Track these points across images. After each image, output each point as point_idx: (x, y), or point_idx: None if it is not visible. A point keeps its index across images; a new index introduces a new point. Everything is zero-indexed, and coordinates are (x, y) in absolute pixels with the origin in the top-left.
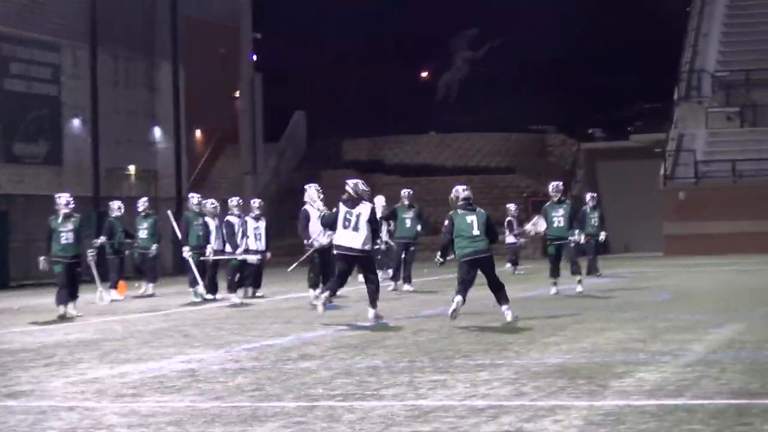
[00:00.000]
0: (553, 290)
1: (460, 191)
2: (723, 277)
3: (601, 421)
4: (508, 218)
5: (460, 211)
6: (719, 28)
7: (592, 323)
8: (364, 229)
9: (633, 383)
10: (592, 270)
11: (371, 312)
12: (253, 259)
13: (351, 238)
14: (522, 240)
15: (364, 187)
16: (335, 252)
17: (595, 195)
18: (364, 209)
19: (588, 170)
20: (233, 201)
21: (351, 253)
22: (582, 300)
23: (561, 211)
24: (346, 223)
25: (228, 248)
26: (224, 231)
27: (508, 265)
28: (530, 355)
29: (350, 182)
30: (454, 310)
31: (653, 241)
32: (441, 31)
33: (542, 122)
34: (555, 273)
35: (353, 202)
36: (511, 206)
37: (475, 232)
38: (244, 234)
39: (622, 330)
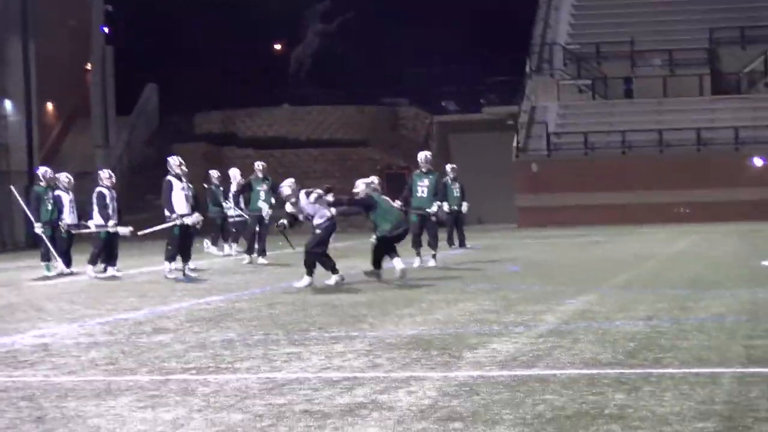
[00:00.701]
0: (417, 262)
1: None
2: (575, 249)
3: (454, 392)
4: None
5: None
6: (570, 1)
7: (445, 295)
8: None
9: (486, 354)
10: (452, 241)
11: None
12: (125, 231)
13: None
14: None
15: None
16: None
17: (455, 167)
18: None
19: (441, 143)
20: (105, 173)
21: None
22: (436, 272)
23: (426, 182)
24: None
25: (93, 221)
26: (96, 202)
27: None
28: (385, 327)
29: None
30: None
31: (507, 213)
32: (293, 4)
33: (395, 95)
34: (417, 243)
35: None
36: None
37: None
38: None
39: (475, 302)
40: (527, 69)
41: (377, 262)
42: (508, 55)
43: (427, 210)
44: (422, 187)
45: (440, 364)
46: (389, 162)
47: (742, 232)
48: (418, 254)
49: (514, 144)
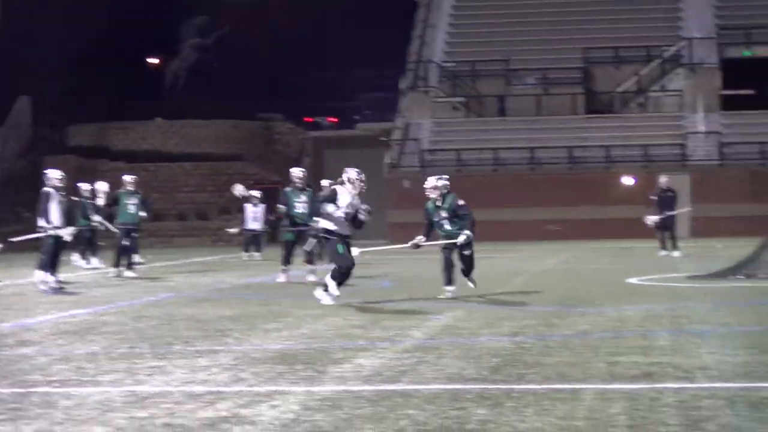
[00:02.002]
0: (282, 277)
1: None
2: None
3: (318, 406)
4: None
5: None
6: (446, 19)
7: (313, 309)
8: None
9: (351, 369)
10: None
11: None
12: None
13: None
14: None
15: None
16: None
17: (332, 182)
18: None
19: (315, 158)
20: None
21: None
22: (305, 287)
23: (304, 198)
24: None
25: None
26: None
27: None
28: (250, 341)
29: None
30: None
31: (379, 229)
32: (170, 18)
33: (270, 110)
34: (288, 260)
35: None
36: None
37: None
38: None
39: (342, 316)
40: (402, 86)
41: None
42: (384, 71)
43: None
44: (300, 204)
45: (304, 379)
46: (263, 177)
47: (612, 250)
48: (285, 271)
49: (387, 160)
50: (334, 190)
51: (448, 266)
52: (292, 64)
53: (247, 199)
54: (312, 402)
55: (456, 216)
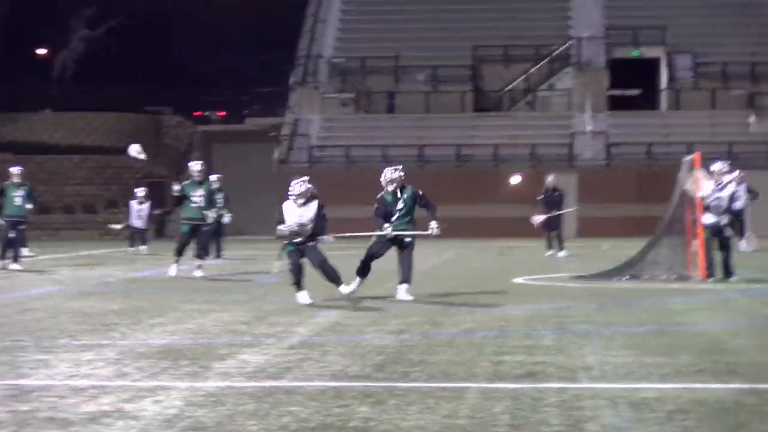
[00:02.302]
0: (173, 270)
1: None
2: (333, 261)
3: (201, 402)
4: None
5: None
6: (336, 14)
7: (199, 305)
8: None
9: (235, 365)
10: (211, 251)
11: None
12: None
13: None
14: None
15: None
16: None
17: (221, 176)
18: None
19: (204, 152)
20: None
21: None
22: (193, 282)
23: (201, 191)
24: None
25: None
26: None
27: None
28: (135, 336)
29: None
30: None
31: (267, 225)
32: (59, 9)
33: (159, 103)
34: (180, 252)
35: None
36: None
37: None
38: None
39: (228, 312)
40: (292, 81)
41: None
42: (274, 66)
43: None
44: (196, 197)
45: (188, 374)
46: (151, 170)
47: (498, 249)
48: (177, 262)
49: (276, 155)
50: (281, 210)
51: (372, 259)
52: (183, 57)
53: (143, 162)
54: (195, 398)
55: (423, 206)
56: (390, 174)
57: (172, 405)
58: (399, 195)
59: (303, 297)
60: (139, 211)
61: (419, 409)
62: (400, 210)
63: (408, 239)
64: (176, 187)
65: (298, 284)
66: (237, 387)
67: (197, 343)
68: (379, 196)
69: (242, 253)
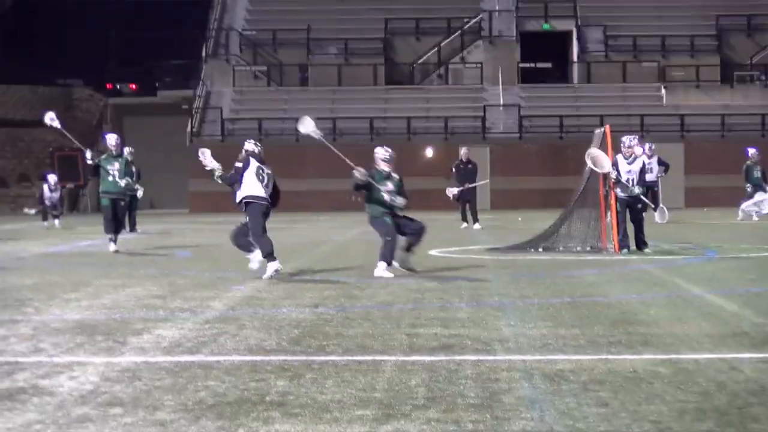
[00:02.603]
0: (113, 247)
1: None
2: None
3: (117, 377)
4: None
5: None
6: None
7: (113, 280)
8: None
9: (151, 340)
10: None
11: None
12: None
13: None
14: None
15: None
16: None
17: (132, 150)
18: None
19: (116, 126)
20: None
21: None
22: (105, 256)
23: (117, 165)
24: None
25: None
26: None
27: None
28: (50, 312)
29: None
30: None
31: (180, 198)
32: None
33: (70, 76)
34: (110, 228)
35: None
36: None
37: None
38: None
39: (143, 287)
40: (203, 53)
41: None
42: (185, 38)
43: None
44: (113, 171)
45: (104, 350)
46: (62, 143)
47: None
48: (113, 240)
49: (189, 128)
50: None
51: None
52: (94, 29)
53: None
54: (111, 373)
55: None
56: (386, 154)
57: (88, 381)
58: (390, 176)
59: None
60: (50, 198)
61: (336, 382)
62: (390, 191)
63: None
64: (89, 155)
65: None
66: (153, 362)
67: (112, 318)
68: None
69: (155, 227)
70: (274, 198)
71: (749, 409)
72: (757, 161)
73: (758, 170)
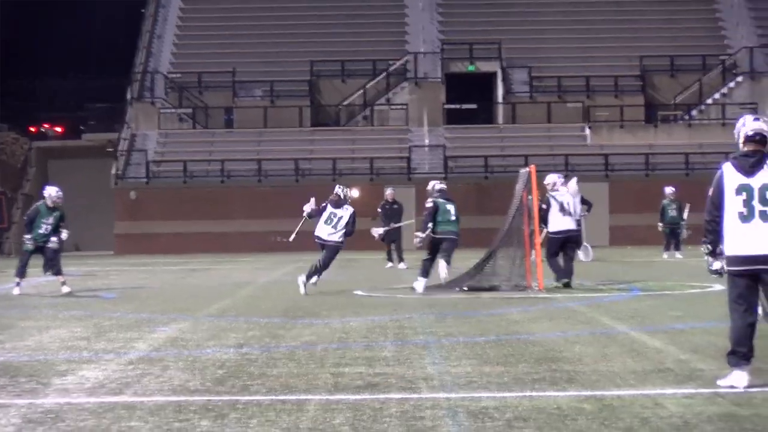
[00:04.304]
0: (16, 290)
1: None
2: (171, 276)
3: (40, 419)
4: None
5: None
6: (173, 30)
7: (38, 321)
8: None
9: (75, 381)
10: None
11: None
12: None
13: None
14: None
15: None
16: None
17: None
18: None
19: (40, 168)
20: None
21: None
22: (29, 298)
23: (51, 220)
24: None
25: None
26: None
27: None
28: None
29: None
30: None
31: (105, 240)
32: None
33: None
34: (22, 273)
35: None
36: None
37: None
38: None
39: (66, 328)
40: (128, 96)
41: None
42: (110, 81)
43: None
44: (45, 224)
45: (27, 391)
46: None
47: (339, 262)
48: (18, 284)
49: (113, 171)
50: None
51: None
52: (19, 73)
53: None
54: (34, 415)
55: None
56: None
57: (10, 423)
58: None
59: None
60: None
61: (260, 422)
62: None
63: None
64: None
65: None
66: (76, 403)
67: (36, 360)
68: (431, 203)
69: (80, 269)
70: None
71: None
72: (674, 199)
73: (674, 208)
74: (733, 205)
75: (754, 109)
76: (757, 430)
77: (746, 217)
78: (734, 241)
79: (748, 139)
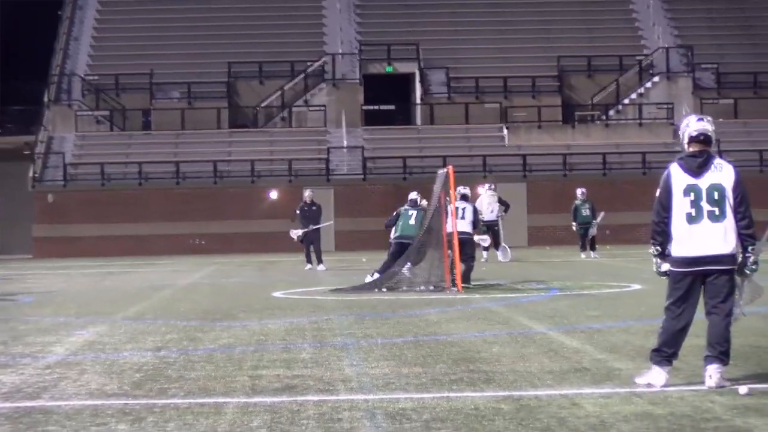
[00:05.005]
0: None
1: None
2: (89, 280)
3: None
4: None
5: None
6: (89, 32)
7: None
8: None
9: None
10: None
11: None
12: None
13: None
14: None
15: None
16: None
17: None
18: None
19: None
20: None
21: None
22: None
23: None
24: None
25: None
26: None
27: None
28: None
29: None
30: None
31: (23, 244)
32: None
33: None
34: None
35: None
36: None
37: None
38: None
39: None
40: (45, 99)
41: None
42: (27, 84)
43: None
44: None
45: None
46: None
47: (258, 264)
48: None
49: (30, 174)
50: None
51: None
52: None
53: None
54: None
55: None
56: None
57: None
58: None
59: None
60: None
61: (177, 425)
62: None
63: None
64: None
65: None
66: None
67: None
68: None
69: None
70: None
71: None
72: (585, 200)
73: (586, 208)
74: (680, 206)
75: (670, 110)
76: (672, 429)
77: (694, 218)
78: (682, 242)
79: (693, 140)
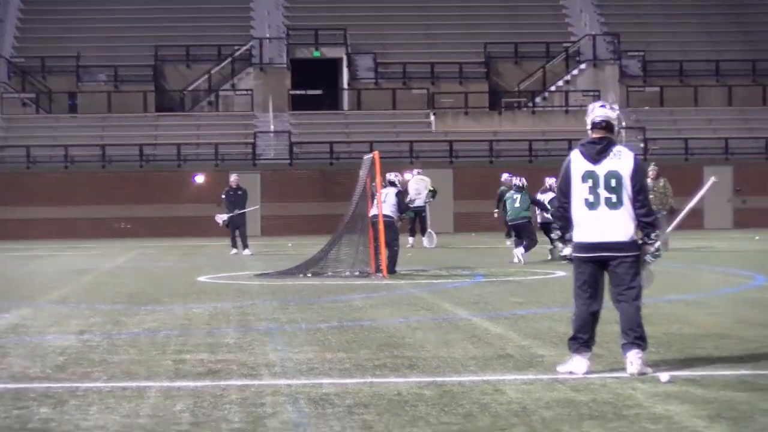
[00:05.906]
0: None
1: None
2: (14, 263)
3: None
4: None
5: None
6: (15, 13)
7: None
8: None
9: None
10: None
11: None
12: None
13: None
14: None
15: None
16: None
17: None
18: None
19: None
20: None
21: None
22: None
23: None
24: None
25: None
26: None
27: None
28: None
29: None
30: None
31: None
32: None
33: None
34: None
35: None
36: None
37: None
38: None
39: None
40: None
41: None
42: None
43: None
44: None
45: None
46: None
47: (184, 248)
48: None
49: None
50: None
51: None
52: None
53: None
54: None
55: None
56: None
57: None
58: None
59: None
60: None
61: (99, 409)
62: None
63: None
64: None
65: None
66: None
67: None
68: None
69: None
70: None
71: (511, 430)
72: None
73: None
74: (579, 192)
75: (597, 97)
76: (594, 416)
77: (593, 204)
78: (581, 228)
79: (594, 126)
